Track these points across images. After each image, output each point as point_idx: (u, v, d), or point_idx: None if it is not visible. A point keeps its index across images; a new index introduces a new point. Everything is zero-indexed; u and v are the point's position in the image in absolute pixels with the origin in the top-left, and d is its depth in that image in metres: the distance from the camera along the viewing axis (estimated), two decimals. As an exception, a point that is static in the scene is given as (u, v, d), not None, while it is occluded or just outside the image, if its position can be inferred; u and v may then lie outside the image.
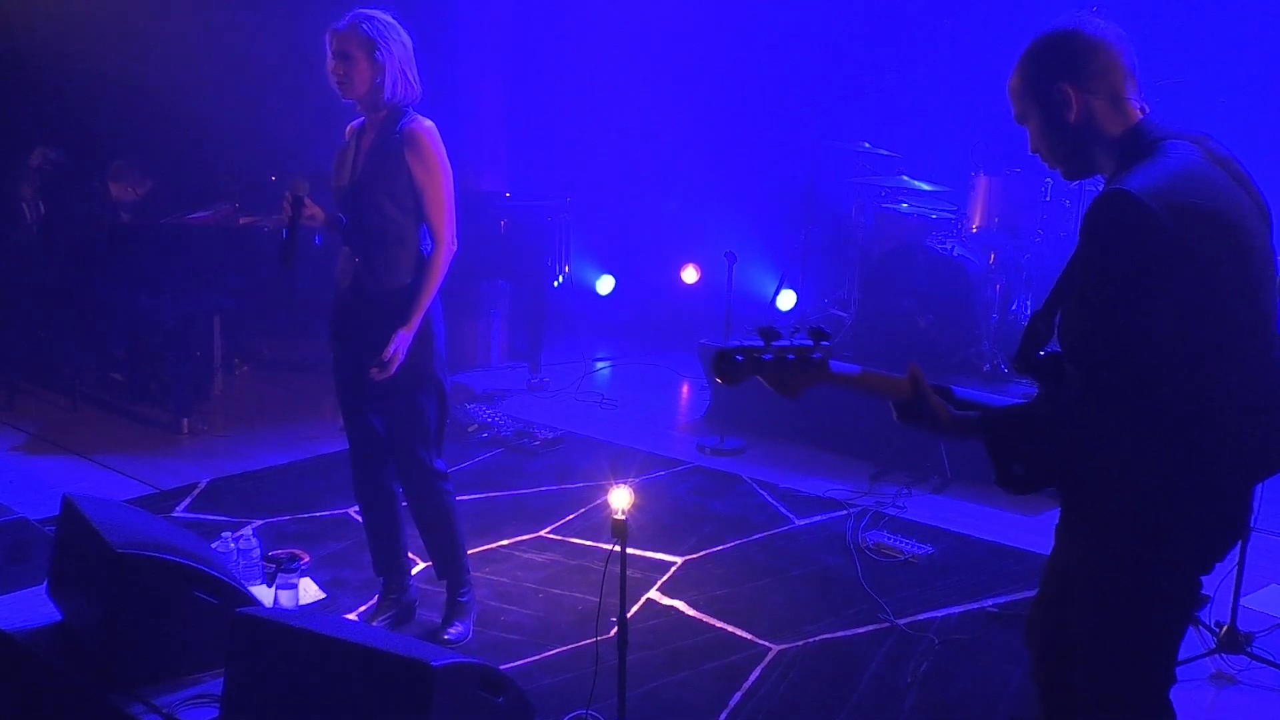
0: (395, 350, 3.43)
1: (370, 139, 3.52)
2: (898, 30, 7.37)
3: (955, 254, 5.88)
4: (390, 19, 3.46)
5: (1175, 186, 1.88)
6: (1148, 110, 2.05)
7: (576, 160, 8.21)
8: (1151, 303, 1.84)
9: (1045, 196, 6.04)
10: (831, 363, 2.10)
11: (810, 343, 2.09)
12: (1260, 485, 2.12)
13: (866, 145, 6.59)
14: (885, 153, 6.56)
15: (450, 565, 3.77)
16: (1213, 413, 1.91)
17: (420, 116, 3.51)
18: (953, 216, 6.16)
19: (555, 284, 7.00)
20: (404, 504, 3.80)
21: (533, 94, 8.21)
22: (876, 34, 7.44)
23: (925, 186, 6.28)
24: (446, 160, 3.52)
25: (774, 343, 2.09)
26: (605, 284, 8.27)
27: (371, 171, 3.48)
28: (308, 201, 3.47)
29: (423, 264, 3.51)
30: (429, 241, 3.53)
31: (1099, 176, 2.10)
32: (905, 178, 6.35)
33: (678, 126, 8.13)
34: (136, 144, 6.92)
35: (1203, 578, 2.10)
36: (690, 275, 8.02)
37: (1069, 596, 2.15)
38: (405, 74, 3.46)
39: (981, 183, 6.06)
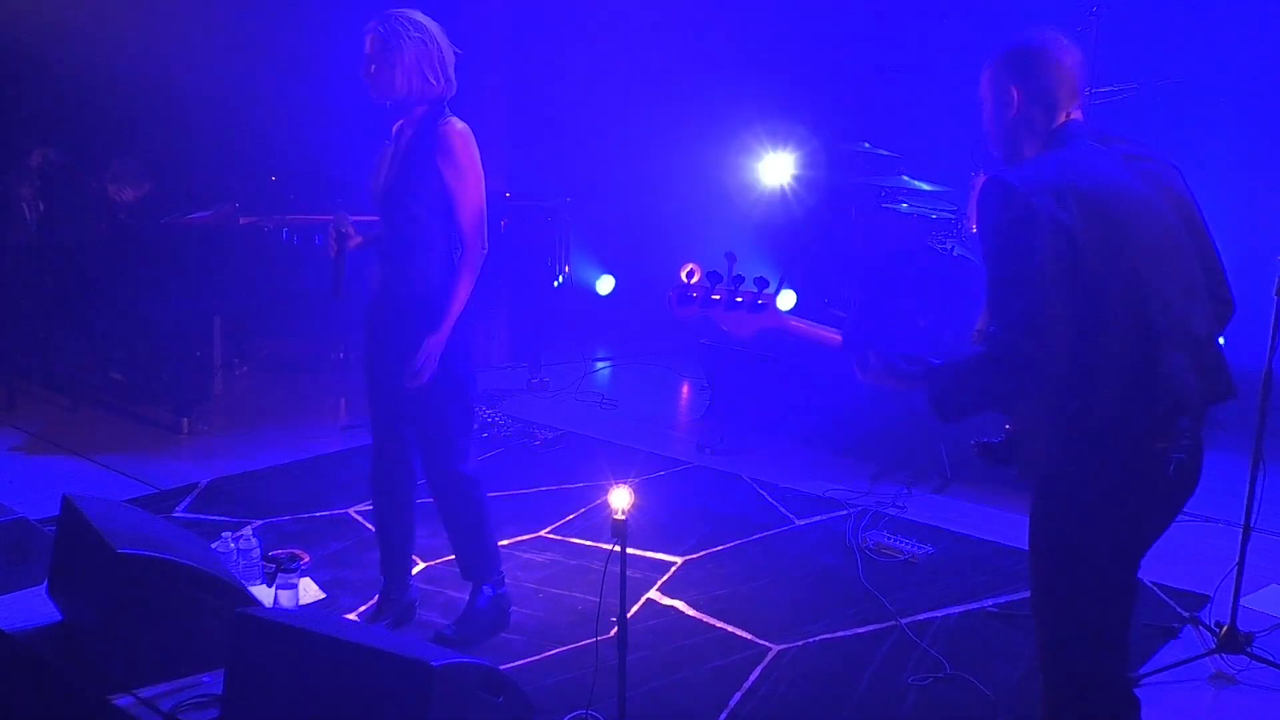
0: (426, 358, 3.42)
1: (406, 139, 3.51)
2: (898, 30, 7.36)
3: (955, 254, 5.88)
4: (413, 16, 3.44)
5: (1051, 172, 2.20)
6: (1076, 117, 2.36)
7: (576, 160, 8.21)
8: (1024, 273, 2.13)
9: (1045, 196, 6.03)
10: (778, 309, 2.42)
11: (756, 289, 2.42)
12: (1191, 460, 2.25)
13: (866, 145, 6.59)
14: (885, 153, 6.56)
15: (479, 566, 3.74)
16: (1092, 365, 2.13)
17: (454, 119, 3.48)
18: (953, 216, 6.16)
19: (555, 284, 7.00)
20: (420, 501, 3.80)
21: (533, 94, 8.21)
22: (877, 34, 7.44)
23: (925, 186, 6.28)
24: (478, 163, 3.49)
25: (721, 285, 2.43)
26: (605, 284, 8.27)
27: (403, 173, 3.47)
28: (350, 231, 3.58)
29: (451, 268, 3.49)
30: (460, 245, 3.50)
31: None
32: (905, 178, 6.35)
33: (678, 126, 8.12)
34: (136, 144, 6.92)
35: (1131, 546, 2.29)
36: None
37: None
38: (422, 72, 3.42)
39: (981, 183, 6.06)
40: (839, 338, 2.40)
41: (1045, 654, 2.36)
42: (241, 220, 6.35)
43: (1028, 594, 4.03)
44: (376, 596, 3.88)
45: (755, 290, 2.41)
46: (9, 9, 6.87)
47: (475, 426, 3.71)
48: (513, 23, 7.98)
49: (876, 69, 7.26)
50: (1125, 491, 2.20)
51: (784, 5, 7.61)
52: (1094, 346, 2.13)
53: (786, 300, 7.26)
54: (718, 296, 2.42)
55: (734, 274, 2.44)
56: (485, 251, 3.51)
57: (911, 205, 6.33)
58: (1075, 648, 2.29)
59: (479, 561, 3.74)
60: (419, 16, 3.46)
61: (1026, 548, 4.51)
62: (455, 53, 3.52)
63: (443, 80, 3.48)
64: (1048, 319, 2.10)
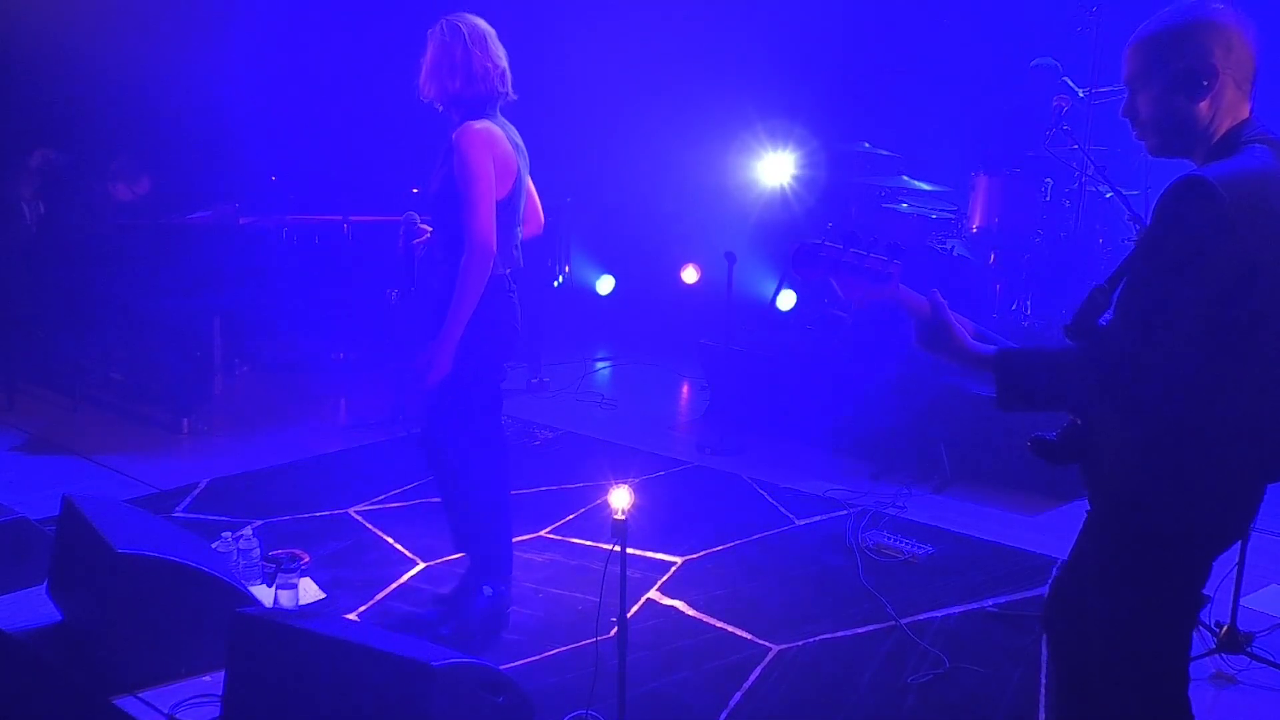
0: (427, 361, 3.42)
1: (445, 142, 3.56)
2: (899, 30, 7.37)
3: (955, 254, 5.88)
4: (454, 18, 3.48)
5: (1247, 184, 1.98)
6: (1254, 114, 2.13)
7: (576, 160, 8.21)
8: (1196, 288, 1.93)
9: (1045, 196, 6.04)
10: (900, 285, 2.14)
11: (887, 257, 2.12)
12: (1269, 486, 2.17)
13: (866, 145, 6.60)
14: (885, 153, 6.57)
15: (482, 565, 3.75)
16: (1224, 407, 1.98)
17: (475, 120, 3.46)
18: (953, 216, 6.16)
19: (555, 284, 7.00)
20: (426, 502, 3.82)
21: (532, 94, 8.20)
22: (877, 34, 7.44)
23: (925, 186, 6.29)
24: (484, 164, 3.41)
25: (852, 247, 2.12)
26: (605, 284, 8.27)
27: (436, 176, 3.51)
28: (415, 229, 3.77)
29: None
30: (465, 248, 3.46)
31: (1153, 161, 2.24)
32: (905, 178, 6.36)
33: (678, 126, 8.12)
34: (136, 144, 6.92)
35: (1205, 574, 2.16)
36: (690, 275, 8.03)
37: (1083, 576, 2.24)
38: (437, 73, 3.45)
39: (981, 183, 6.06)
40: (968, 325, 2.17)
41: (1102, 678, 2.21)
42: (241, 220, 6.36)
43: (1027, 594, 4.07)
44: (377, 594, 3.87)
45: (886, 258, 2.14)
46: (9, 9, 6.87)
47: (495, 425, 3.71)
48: (511, 22, 7.97)
49: (877, 69, 7.26)
50: (1216, 524, 2.10)
51: (785, 5, 7.61)
52: (1233, 388, 1.98)
53: (787, 300, 7.27)
54: (849, 260, 2.12)
55: (868, 241, 2.18)
56: (489, 258, 3.41)
57: (911, 205, 6.33)
58: (1147, 678, 2.18)
59: (485, 561, 3.74)
60: (460, 19, 3.47)
61: (1026, 548, 4.47)
62: (497, 61, 3.52)
63: (459, 82, 3.45)
64: (1182, 334, 1.94)
